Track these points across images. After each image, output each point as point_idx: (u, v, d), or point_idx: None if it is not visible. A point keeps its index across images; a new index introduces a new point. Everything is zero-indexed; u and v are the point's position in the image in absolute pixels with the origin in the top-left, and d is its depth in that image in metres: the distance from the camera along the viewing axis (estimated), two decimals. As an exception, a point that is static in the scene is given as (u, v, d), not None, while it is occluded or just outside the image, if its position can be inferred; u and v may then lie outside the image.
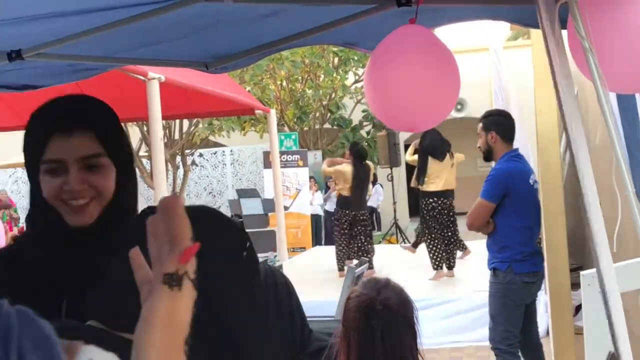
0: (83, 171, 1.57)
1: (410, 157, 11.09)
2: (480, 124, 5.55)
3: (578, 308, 6.68)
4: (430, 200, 10.32)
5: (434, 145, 10.43)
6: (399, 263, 12.06)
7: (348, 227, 11.47)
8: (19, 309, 0.71)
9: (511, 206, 5.30)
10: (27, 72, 3.14)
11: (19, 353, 0.67)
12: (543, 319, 7.77)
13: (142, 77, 6.76)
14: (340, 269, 11.35)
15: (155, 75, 6.78)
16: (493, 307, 5.40)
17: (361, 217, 11.49)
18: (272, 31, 2.99)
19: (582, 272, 4.08)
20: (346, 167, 11.56)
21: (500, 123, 5.48)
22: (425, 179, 10.33)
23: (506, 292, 5.29)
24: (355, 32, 3.04)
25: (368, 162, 12.05)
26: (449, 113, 2.78)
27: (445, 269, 10.48)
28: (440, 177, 10.36)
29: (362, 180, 11.47)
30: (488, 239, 5.49)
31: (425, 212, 10.46)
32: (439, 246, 10.47)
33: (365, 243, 11.53)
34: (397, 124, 2.85)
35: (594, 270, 4.04)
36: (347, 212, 11.44)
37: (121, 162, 1.69)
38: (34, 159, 1.63)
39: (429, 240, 10.48)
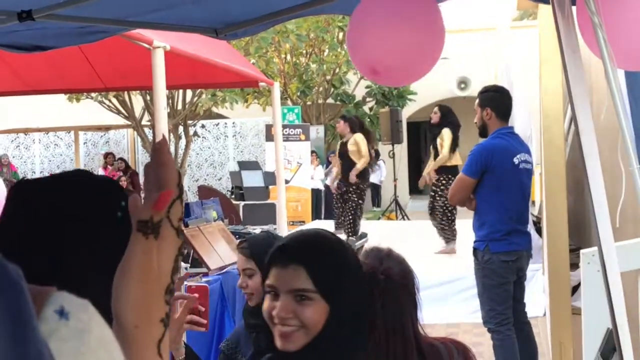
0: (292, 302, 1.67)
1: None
2: (477, 100, 5.54)
3: (574, 289, 6.71)
4: (448, 175, 10.49)
5: (455, 121, 10.66)
6: (397, 239, 12.10)
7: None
8: None
9: (490, 183, 5.30)
10: (37, 32, 3.14)
11: None
12: (541, 298, 7.82)
13: (147, 46, 6.72)
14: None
15: (161, 44, 6.74)
16: (478, 287, 5.44)
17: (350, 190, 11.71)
18: (283, -1, 2.99)
19: (582, 251, 4.10)
20: (358, 139, 11.69)
21: (496, 100, 5.43)
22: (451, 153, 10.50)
23: (486, 272, 5.31)
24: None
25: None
26: (425, 73, 2.77)
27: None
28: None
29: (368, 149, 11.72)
30: (473, 216, 5.52)
31: (443, 187, 10.61)
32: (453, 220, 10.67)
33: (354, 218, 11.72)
34: (361, 67, 2.85)
35: (594, 248, 4.07)
36: (366, 186, 11.68)
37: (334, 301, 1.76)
38: None
39: (448, 214, 10.61)
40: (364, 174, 11.82)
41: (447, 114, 10.74)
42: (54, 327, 0.73)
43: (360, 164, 11.62)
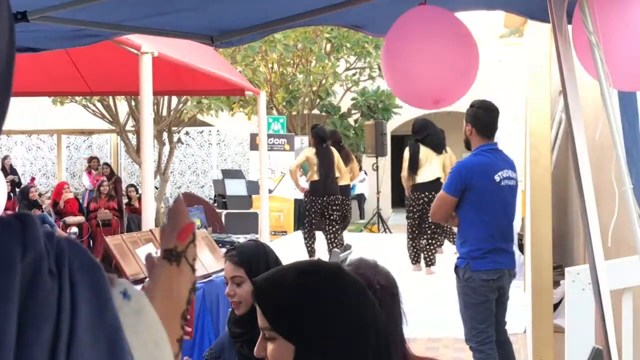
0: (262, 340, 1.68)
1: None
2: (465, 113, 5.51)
3: (554, 307, 6.72)
4: (417, 193, 10.37)
5: (436, 137, 10.50)
6: (379, 252, 12.10)
7: (319, 214, 11.43)
8: (68, 238, 0.79)
9: (471, 201, 5.23)
10: (30, 34, 3.12)
11: (69, 272, 0.75)
12: (521, 315, 7.83)
13: (135, 51, 6.69)
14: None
15: (149, 50, 6.72)
16: (459, 305, 5.39)
17: (333, 202, 11.44)
18: (279, 8, 2.98)
19: (567, 269, 4.10)
20: (310, 151, 11.56)
21: (478, 117, 5.34)
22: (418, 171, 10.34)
23: (466, 290, 5.26)
24: (363, 15, 3.03)
25: (343, 145, 12.09)
26: (469, 88, 2.79)
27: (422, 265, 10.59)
28: (429, 167, 10.37)
29: (323, 162, 11.38)
30: (456, 234, 5.49)
31: (412, 205, 10.51)
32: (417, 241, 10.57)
33: (337, 232, 11.53)
34: (419, 101, 2.85)
35: (579, 267, 4.08)
36: (316, 198, 11.39)
37: None
38: None
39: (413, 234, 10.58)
40: (311, 188, 11.64)
41: (416, 131, 10.64)
42: (119, 304, 0.85)
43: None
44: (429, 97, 2.74)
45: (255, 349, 1.65)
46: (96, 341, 0.74)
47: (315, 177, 11.35)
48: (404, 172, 10.50)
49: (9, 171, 17.62)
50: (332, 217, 11.43)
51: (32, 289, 0.71)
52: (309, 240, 11.58)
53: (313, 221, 11.47)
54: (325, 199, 11.30)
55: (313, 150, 11.47)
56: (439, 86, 2.71)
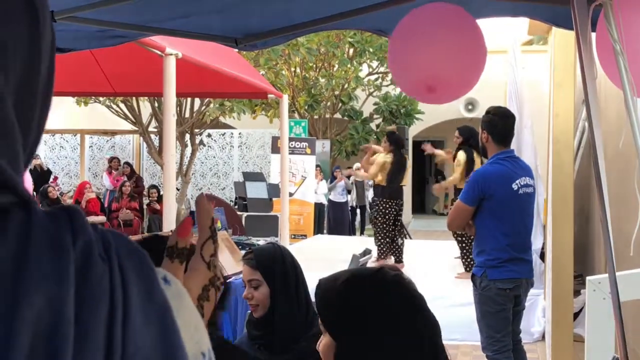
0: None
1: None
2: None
3: (574, 316, 6.69)
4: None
5: (474, 143, 10.56)
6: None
7: (393, 218, 11.69)
8: (111, 229, 0.82)
9: (488, 210, 5.19)
10: (57, 34, 3.14)
11: (118, 258, 0.78)
12: (541, 323, 7.80)
13: (159, 52, 6.72)
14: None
15: (173, 52, 6.74)
16: (476, 313, 5.36)
17: (401, 206, 11.77)
18: (304, 11, 2.99)
19: (588, 278, 4.08)
20: (385, 158, 11.76)
21: (493, 124, 5.29)
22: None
23: (483, 299, 5.22)
24: (386, 19, 3.03)
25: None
26: (474, 84, 2.78)
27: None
28: None
29: (400, 168, 11.71)
30: (474, 242, 5.45)
31: None
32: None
33: (401, 235, 11.78)
34: (413, 87, 2.84)
35: (600, 276, 4.06)
36: (390, 201, 11.67)
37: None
38: None
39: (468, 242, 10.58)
40: (380, 191, 11.88)
41: (468, 137, 10.69)
42: (163, 288, 0.87)
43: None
44: (422, 83, 2.73)
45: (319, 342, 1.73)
46: (148, 320, 0.78)
47: (384, 183, 11.68)
48: (457, 175, 10.50)
49: (40, 171, 17.62)
50: (400, 221, 11.78)
51: (85, 272, 0.74)
52: (387, 242, 11.75)
53: (388, 224, 11.75)
54: (397, 201, 11.67)
55: (390, 155, 11.75)
56: (434, 73, 2.69)
